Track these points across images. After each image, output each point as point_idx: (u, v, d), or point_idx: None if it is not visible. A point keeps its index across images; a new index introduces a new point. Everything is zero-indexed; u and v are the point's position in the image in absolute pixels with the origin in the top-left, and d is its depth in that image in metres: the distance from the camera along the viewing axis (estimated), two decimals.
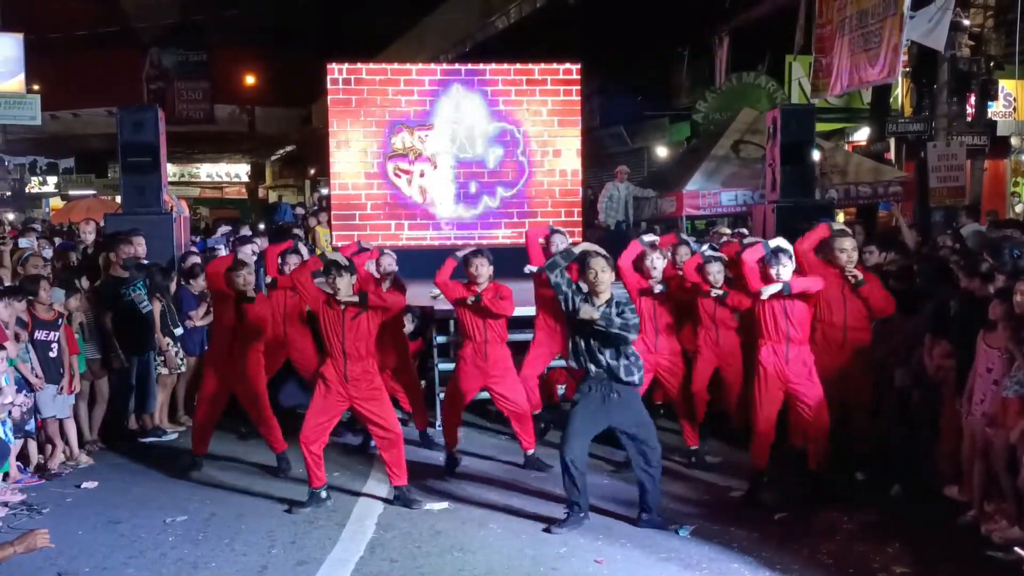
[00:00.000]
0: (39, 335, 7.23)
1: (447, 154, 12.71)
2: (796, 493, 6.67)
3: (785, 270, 6.49)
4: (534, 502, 6.59)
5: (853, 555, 5.64)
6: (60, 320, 7.39)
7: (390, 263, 8.20)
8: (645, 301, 7.34)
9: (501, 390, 7.26)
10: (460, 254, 7.26)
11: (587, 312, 5.86)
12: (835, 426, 6.74)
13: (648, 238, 7.66)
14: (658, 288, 7.38)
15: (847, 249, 6.88)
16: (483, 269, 7.14)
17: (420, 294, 8.72)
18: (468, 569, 5.54)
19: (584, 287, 6.04)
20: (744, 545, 5.80)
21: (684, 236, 9.06)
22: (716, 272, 7.46)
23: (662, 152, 22.13)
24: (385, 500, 6.71)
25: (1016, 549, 4.59)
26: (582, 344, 6.03)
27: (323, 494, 6.55)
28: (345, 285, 6.44)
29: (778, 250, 6.56)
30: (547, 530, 6.08)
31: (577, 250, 6.33)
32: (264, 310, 7.60)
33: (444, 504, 6.60)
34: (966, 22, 13.93)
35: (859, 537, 5.93)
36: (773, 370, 6.51)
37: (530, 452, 7.43)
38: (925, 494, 6.52)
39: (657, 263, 7.45)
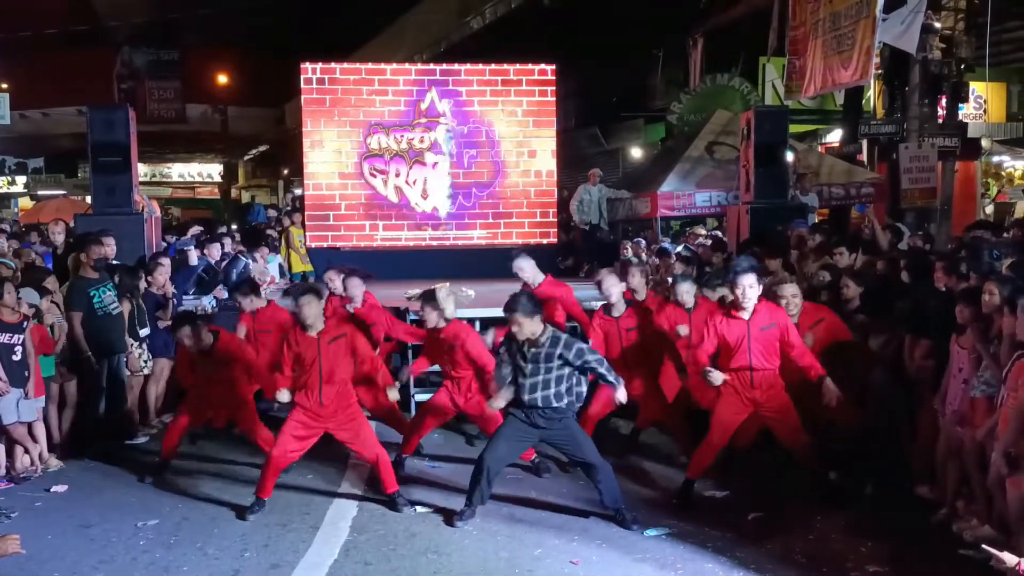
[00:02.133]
0: (2, 338, 7.09)
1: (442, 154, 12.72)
2: (771, 493, 6.71)
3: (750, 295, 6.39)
4: (508, 504, 6.56)
5: (826, 554, 5.67)
6: (25, 323, 7.26)
7: (358, 283, 8.15)
8: (610, 325, 7.34)
9: (479, 414, 7.22)
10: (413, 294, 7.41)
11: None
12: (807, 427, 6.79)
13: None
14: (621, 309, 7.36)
15: (785, 294, 6.90)
16: (430, 314, 7.08)
17: (394, 295, 8.70)
18: (443, 571, 5.52)
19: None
20: (719, 545, 5.81)
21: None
22: (686, 292, 7.52)
23: (637, 153, 22.22)
24: (361, 497, 6.71)
25: (985, 547, 4.62)
26: (515, 374, 6.13)
27: (265, 506, 6.48)
28: (315, 315, 6.40)
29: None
30: (449, 522, 6.19)
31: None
32: (231, 340, 7.44)
33: (428, 509, 6.57)
34: (937, 25, 14.08)
35: (832, 536, 5.96)
36: (737, 391, 6.50)
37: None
38: (898, 494, 6.55)
39: (613, 288, 7.40)
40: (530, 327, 6.01)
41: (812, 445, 6.61)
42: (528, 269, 8.04)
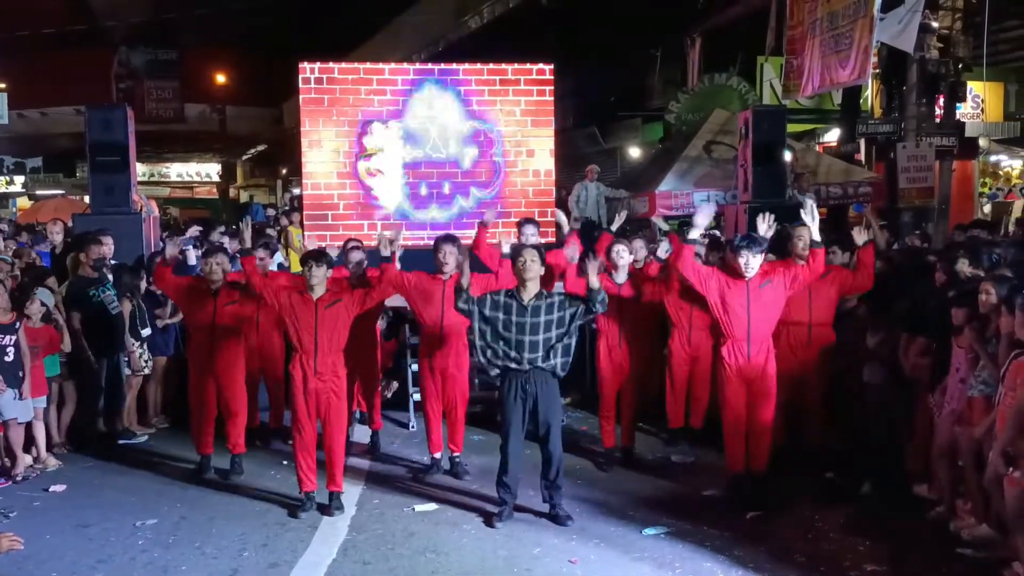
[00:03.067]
0: None
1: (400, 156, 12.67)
2: (769, 492, 6.71)
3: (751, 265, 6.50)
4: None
5: (824, 553, 5.68)
6: (17, 324, 7.23)
7: (359, 257, 8.13)
8: (611, 288, 7.33)
9: (447, 383, 7.26)
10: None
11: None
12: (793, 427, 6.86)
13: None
14: (623, 278, 7.39)
15: (803, 237, 6.98)
16: (451, 257, 7.14)
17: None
18: (442, 571, 5.53)
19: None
20: (717, 544, 5.82)
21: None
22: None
23: (635, 152, 22.21)
24: (359, 496, 6.69)
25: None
26: (502, 340, 6.16)
27: (316, 498, 6.53)
28: (320, 276, 6.42)
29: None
30: (488, 524, 6.20)
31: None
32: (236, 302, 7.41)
33: (432, 506, 6.59)
34: (935, 24, 14.09)
35: (830, 535, 5.98)
36: (736, 368, 6.54)
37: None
38: (896, 493, 6.56)
39: (623, 255, 7.44)
40: (538, 277, 6.21)
41: (776, 428, 6.70)
42: (535, 235, 8.20)
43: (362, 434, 8.28)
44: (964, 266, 6.81)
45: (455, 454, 7.34)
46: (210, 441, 7.38)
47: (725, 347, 6.59)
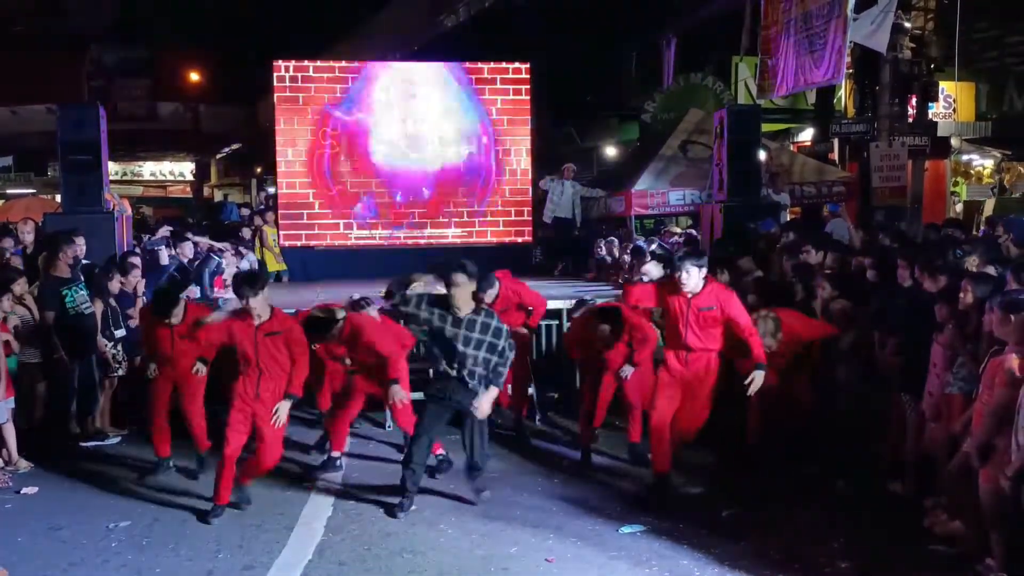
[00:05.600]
0: None
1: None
2: (745, 490, 6.75)
3: (690, 277, 6.47)
4: (484, 502, 6.55)
5: (799, 550, 5.70)
6: None
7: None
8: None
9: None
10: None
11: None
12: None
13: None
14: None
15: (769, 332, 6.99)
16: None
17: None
18: (418, 571, 5.51)
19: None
20: (693, 541, 5.84)
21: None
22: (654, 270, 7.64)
23: (611, 152, 22.28)
24: (336, 497, 6.66)
25: None
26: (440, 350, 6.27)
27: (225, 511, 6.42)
28: (259, 303, 6.22)
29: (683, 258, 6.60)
30: (391, 514, 6.26)
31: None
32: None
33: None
34: (907, 25, 14.25)
35: (805, 532, 6.00)
36: (673, 373, 6.61)
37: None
38: (869, 489, 6.61)
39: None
40: (468, 293, 6.25)
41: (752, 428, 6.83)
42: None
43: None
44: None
45: (437, 454, 7.30)
46: (167, 443, 7.34)
47: (668, 350, 6.70)
